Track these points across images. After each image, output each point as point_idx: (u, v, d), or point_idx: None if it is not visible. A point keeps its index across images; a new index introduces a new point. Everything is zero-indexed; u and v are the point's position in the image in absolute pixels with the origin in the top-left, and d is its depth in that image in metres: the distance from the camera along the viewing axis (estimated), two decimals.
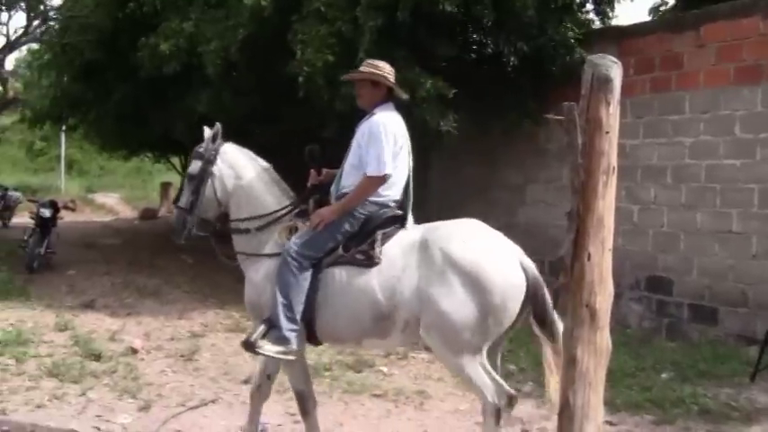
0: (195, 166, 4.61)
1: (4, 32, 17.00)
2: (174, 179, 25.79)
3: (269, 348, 4.21)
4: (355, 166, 4.43)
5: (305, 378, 4.62)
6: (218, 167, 4.59)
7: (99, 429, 5.11)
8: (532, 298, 4.12)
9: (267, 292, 4.35)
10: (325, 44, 8.26)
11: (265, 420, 5.18)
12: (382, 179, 4.31)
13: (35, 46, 19.05)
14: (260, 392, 4.64)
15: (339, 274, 4.27)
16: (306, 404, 4.60)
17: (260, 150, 4.76)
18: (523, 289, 4.08)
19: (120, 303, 9.44)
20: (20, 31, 17.01)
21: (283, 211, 4.54)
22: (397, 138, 4.39)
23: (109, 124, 14.98)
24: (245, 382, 6.29)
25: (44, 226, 12.28)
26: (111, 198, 30.68)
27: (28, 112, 20.07)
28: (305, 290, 4.22)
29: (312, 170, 4.72)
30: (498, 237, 4.26)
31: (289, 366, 4.50)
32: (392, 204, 4.43)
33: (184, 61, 9.68)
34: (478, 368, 4.09)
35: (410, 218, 4.51)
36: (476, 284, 3.99)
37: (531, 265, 4.16)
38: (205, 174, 4.58)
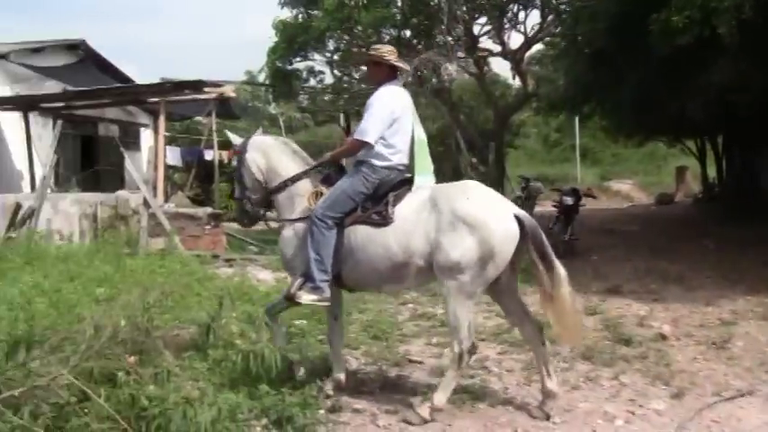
0: (235, 161, 5.66)
1: (522, 30, 18.17)
2: (690, 163, 24.99)
3: (306, 297, 5.06)
4: None
5: (282, 311, 5.58)
6: (250, 155, 5.53)
7: (633, 414, 5.13)
8: (532, 239, 4.83)
9: (295, 246, 5.23)
10: None
11: None
12: (361, 143, 5.08)
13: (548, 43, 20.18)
14: (334, 333, 5.49)
15: (359, 231, 5.05)
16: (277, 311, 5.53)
17: None
18: (517, 236, 4.79)
19: (645, 289, 9.51)
20: (536, 28, 18.11)
21: (302, 174, 5.37)
22: (393, 109, 5.10)
23: (623, 111, 15.11)
24: None
25: (567, 213, 12.91)
26: (625, 184, 31.15)
27: (542, 103, 21.30)
28: (332, 245, 5.00)
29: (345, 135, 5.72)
30: (494, 193, 5.03)
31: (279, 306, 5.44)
32: (401, 168, 5.21)
33: (696, 34, 9.24)
34: (466, 312, 4.86)
35: (417, 179, 5.17)
36: (479, 233, 4.70)
37: (525, 215, 4.90)
38: (242, 163, 5.55)
